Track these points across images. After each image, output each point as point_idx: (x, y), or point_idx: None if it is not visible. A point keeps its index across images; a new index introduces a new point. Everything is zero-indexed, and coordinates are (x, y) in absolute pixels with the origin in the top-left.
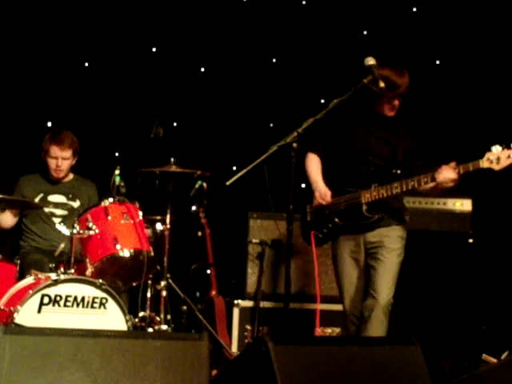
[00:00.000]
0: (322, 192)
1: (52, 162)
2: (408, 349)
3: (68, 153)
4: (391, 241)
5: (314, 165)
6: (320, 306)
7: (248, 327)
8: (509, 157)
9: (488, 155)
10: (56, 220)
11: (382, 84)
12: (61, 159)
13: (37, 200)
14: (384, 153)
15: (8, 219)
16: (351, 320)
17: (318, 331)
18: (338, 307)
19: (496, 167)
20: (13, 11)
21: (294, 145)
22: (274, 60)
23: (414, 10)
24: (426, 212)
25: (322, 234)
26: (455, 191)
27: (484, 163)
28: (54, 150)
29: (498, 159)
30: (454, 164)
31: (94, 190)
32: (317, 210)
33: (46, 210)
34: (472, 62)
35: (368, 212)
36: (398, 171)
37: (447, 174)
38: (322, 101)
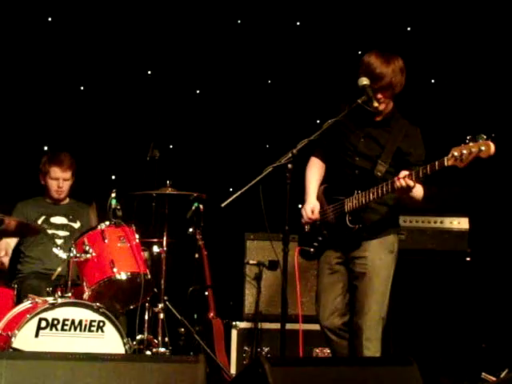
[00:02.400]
0: (308, 210)
1: (53, 184)
2: (405, 369)
3: (68, 174)
4: (377, 256)
5: (312, 172)
6: (318, 326)
7: (246, 348)
8: (470, 152)
9: (453, 151)
10: (58, 241)
11: (375, 104)
12: (62, 180)
13: (40, 222)
14: (371, 152)
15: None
16: (328, 336)
17: (317, 351)
18: None
19: (460, 165)
20: (9, 35)
21: (289, 166)
22: (269, 81)
23: (409, 29)
24: (423, 231)
25: (314, 247)
26: (452, 209)
27: (449, 161)
28: (55, 172)
29: (462, 155)
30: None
31: (93, 212)
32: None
33: (49, 231)
34: (467, 79)
35: (351, 222)
36: (379, 173)
37: (399, 182)
38: (318, 121)
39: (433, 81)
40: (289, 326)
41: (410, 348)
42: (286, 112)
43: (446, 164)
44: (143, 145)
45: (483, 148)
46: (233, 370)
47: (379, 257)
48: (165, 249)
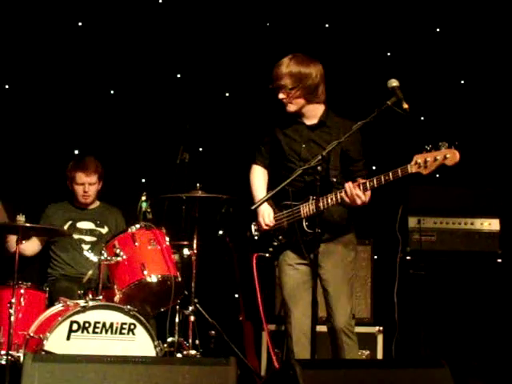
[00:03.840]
0: (266, 216)
1: (79, 189)
2: (437, 371)
3: (94, 178)
4: (339, 257)
5: (256, 178)
6: None
7: (277, 351)
8: (435, 159)
9: (416, 158)
10: (85, 246)
11: (405, 105)
12: (87, 185)
13: (66, 227)
14: (311, 157)
15: (34, 247)
16: (295, 341)
17: None
18: (366, 329)
19: (424, 171)
20: (41, 41)
21: (319, 168)
22: None
23: (438, 30)
24: (454, 232)
25: (269, 253)
26: (483, 211)
27: (412, 168)
28: (80, 177)
29: (425, 162)
30: (360, 180)
31: (120, 217)
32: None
33: (76, 236)
34: (497, 80)
35: (308, 227)
36: (334, 179)
37: (349, 190)
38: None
39: (462, 82)
40: (319, 327)
41: (440, 350)
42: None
43: (409, 171)
44: (173, 148)
45: (448, 156)
46: (263, 373)
47: (341, 257)
48: (195, 251)
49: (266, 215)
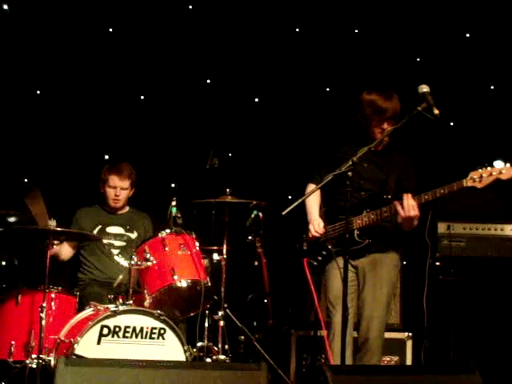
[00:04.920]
0: (315, 225)
1: (111, 192)
2: (468, 377)
3: (126, 183)
4: (384, 270)
5: (312, 196)
6: None
7: (305, 356)
8: (490, 174)
9: (472, 174)
10: (114, 251)
11: (436, 111)
12: (119, 189)
13: (95, 232)
14: (376, 177)
15: (67, 252)
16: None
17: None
18: (396, 335)
19: (478, 185)
20: (72, 48)
21: (349, 173)
22: (328, 89)
23: (468, 35)
24: (484, 238)
25: (317, 261)
26: None
27: (468, 182)
28: (113, 180)
29: (481, 177)
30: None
31: (149, 222)
32: (311, 241)
33: (105, 241)
34: None
35: (359, 237)
36: (389, 196)
37: (406, 201)
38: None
39: (492, 87)
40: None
41: (469, 356)
42: (345, 119)
43: (464, 185)
44: (202, 153)
45: (504, 171)
46: (292, 378)
47: (386, 273)
48: (225, 256)
49: (316, 224)
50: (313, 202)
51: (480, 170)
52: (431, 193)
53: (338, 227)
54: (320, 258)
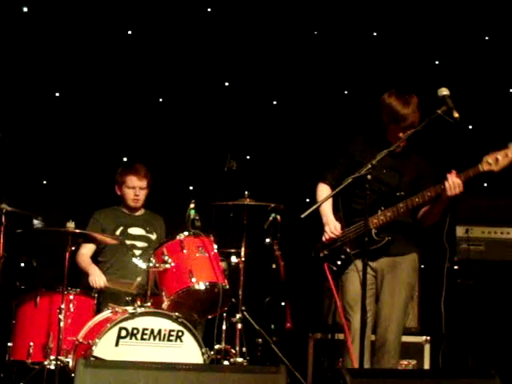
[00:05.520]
0: (332, 226)
1: (130, 192)
2: (488, 382)
3: (144, 183)
4: (404, 274)
5: (322, 195)
6: None
7: (323, 359)
8: (506, 155)
9: (486, 158)
10: (137, 252)
11: (456, 114)
12: (138, 189)
13: (117, 233)
14: (391, 181)
15: (88, 253)
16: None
17: None
18: (414, 339)
19: (495, 168)
20: (90, 51)
21: (369, 176)
22: (346, 92)
23: (487, 38)
24: (503, 242)
25: (337, 266)
26: None
27: (484, 167)
28: (132, 180)
29: (497, 160)
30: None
31: (163, 225)
32: (328, 245)
33: (128, 242)
34: None
35: (377, 235)
36: (403, 193)
37: (451, 179)
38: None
39: (511, 90)
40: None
41: (487, 361)
42: (363, 123)
43: (481, 170)
44: (221, 156)
45: None
46: (309, 381)
47: (406, 277)
48: (243, 259)
49: (332, 225)
50: (326, 203)
51: (495, 153)
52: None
53: (354, 229)
54: (339, 263)
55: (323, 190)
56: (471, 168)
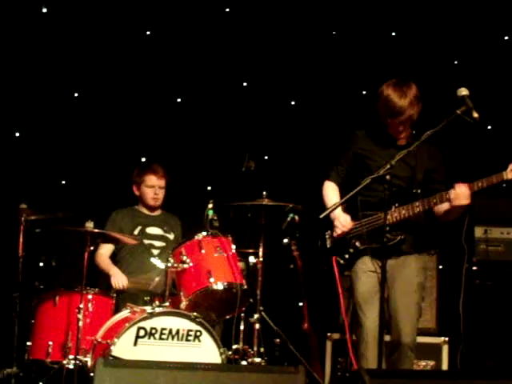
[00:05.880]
0: (342, 220)
1: (150, 191)
2: (506, 383)
3: (163, 182)
4: (414, 273)
5: (330, 192)
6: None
7: (341, 359)
8: None
9: (511, 166)
10: (155, 252)
11: (475, 114)
12: (157, 188)
13: (136, 232)
14: (403, 173)
15: (107, 253)
16: (371, 348)
17: None
18: (432, 340)
19: None
20: (108, 51)
21: (387, 177)
22: (364, 92)
23: (506, 38)
24: None
25: (344, 260)
26: None
27: (508, 174)
28: (151, 179)
29: None
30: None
31: (180, 225)
32: (339, 236)
33: (146, 242)
34: None
35: (390, 233)
36: (419, 190)
37: (459, 189)
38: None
39: None
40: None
41: (506, 362)
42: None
43: (504, 178)
44: (239, 156)
45: None
46: (327, 382)
47: (416, 277)
48: (261, 259)
49: (343, 219)
50: (334, 198)
51: None
52: (479, 182)
53: (366, 223)
54: (347, 257)
55: (329, 188)
56: (495, 175)
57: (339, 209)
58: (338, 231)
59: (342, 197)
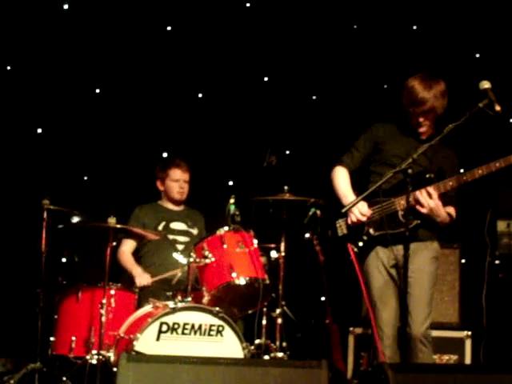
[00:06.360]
0: (360, 206)
1: (175, 185)
2: None
3: (187, 176)
4: (425, 262)
5: (341, 178)
6: (436, 333)
7: (363, 354)
8: None
9: None
10: (179, 247)
11: (498, 107)
12: (182, 181)
13: (160, 228)
14: (421, 161)
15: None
16: (387, 344)
17: (434, 358)
18: (455, 334)
19: None
20: (130, 46)
21: (409, 171)
22: (386, 86)
23: None
24: None
25: (358, 248)
26: None
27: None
28: (176, 173)
29: None
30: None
31: (203, 220)
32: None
33: (170, 237)
34: None
35: (404, 217)
36: (432, 175)
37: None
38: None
39: None
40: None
41: None
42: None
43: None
44: (260, 151)
45: None
46: (349, 376)
47: (427, 266)
48: (282, 254)
49: (360, 205)
50: (344, 183)
51: None
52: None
53: (379, 209)
54: (361, 244)
55: (341, 173)
56: (503, 158)
57: (352, 194)
58: (354, 218)
59: (352, 184)
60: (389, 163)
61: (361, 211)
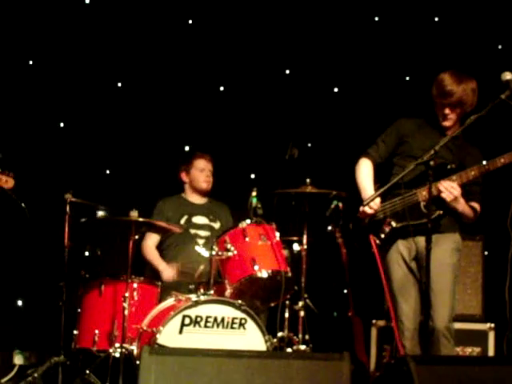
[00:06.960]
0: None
1: (201, 175)
2: None
3: (211, 166)
4: (446, 254)
5: (364, 170)
6: (459, 325)
7: (386, 346)
8: None
9: None
10: (200, 241)
11: None
12: (208, 170)
13: (182, 222)
14: (446, 155)
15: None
16: (408, 337)
17: (457, 350)
18: (478, 326)
19: None
20: (151, 40)
21: (431, 163)
22: (408, 78)
23: None
24: None
25: (380, 239)
26: None
27: None
28: (201, 163)
29: None
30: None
31: (229, 212)
32: (364, 217)
33: (192, 231)
34: None
35: (426, 208)
36: (453, 165)
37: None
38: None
39: None
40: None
41: None
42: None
43: None
44: (282, 144)
45: None
46: (372, 368)
47: (448, 258)
48: (305, 247)
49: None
50: (366, 176)
51: None
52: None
53: (400, 202)
54: (383, 236)
55: (364, 166)
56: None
57: (372, 188)
58: (360, 209)
59: (376, 177)
60: (413, 156)
61: (371, 206)
